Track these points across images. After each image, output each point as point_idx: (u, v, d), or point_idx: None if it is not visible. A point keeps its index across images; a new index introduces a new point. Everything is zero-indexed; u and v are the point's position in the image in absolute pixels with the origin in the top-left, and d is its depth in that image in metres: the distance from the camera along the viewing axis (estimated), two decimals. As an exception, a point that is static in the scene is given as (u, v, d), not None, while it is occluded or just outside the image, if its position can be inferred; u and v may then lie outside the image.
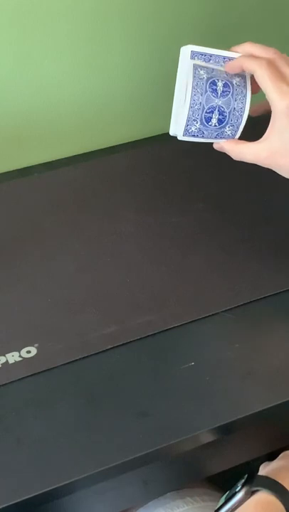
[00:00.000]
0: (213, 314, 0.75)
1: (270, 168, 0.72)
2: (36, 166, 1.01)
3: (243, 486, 0.65)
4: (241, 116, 0.73)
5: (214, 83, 0.71)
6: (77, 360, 0.72)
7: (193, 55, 0.71)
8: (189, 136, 0.72)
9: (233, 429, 0.67)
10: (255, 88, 0.73)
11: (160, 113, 1.03)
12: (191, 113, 0.70)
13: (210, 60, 0.72)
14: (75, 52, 0.96)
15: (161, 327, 0.74)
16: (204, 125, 0.71)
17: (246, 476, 0.66)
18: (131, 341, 0.73)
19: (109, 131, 1.04)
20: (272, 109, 0.69)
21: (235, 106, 0.72)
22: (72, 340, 0.74)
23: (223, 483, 0.80)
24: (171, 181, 0.96)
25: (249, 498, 0.65)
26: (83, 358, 0.72)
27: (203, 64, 0.71)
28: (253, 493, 0.65)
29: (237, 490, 0.65)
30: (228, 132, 0.73)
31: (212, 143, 0.74)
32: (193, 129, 0.71)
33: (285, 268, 0.80)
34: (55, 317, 0.76)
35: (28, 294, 0.79)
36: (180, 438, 0.64)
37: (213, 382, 0.69)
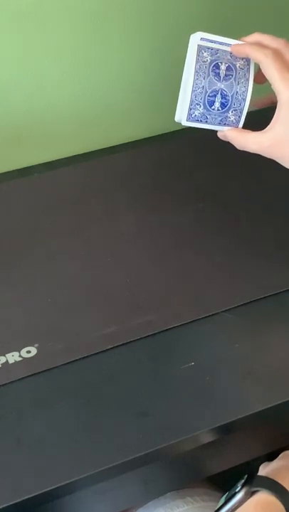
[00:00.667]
0: (213, 314, 0.75)
1: (272, 158, 0.72)
2: (36, 166, 1.01)
3: (243, 486, 0.65)
4: (244, 100, 0.73)
5: (217, 66, 0.71)
6: (77, 360, 0.72)
7: (200, 48, 0.71)
8: (193, 121, 0.72)
9: (233, 429, 0.67)
10: (261, 79, 0.73)
11: (160, 113, 1.03)
12: (193, 97, 0.70)
13: (217, 53, 0.72)
14: (75, 53, 0.96)
15: (161, 327, 0.74)
16: (207, 109, 0.71)
17: (246, 476, 0.66)
18: (131, 341, 0.73)
19: (109, 131, 1.04)
20: (278, 99, 0.69)
21: (238, 90, 0.72)
22: (72, 340, 0.74)
23: (223, 483, 0.80)
24: (171, 181, 0.95)
25: (249, 498, 0.65)
26: (83, 358, 0.72)
27: (209, 44, 0.71)
28: (253, 493, 0.65)
29: (237, 490, 0.65)
30: (232, 118, 0.73)
31: (216, 135, 0.74)
32: (196, 113, 0.71)
33: (285, 268, 0.80)
34: (55, 317, 0.76)
35: (28, 294, 0.79)
36: (180, 438, 0.64)
37: (213, 382, 0.69)
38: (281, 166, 0.72)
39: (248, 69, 0.73)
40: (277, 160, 0.72)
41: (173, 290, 0.79)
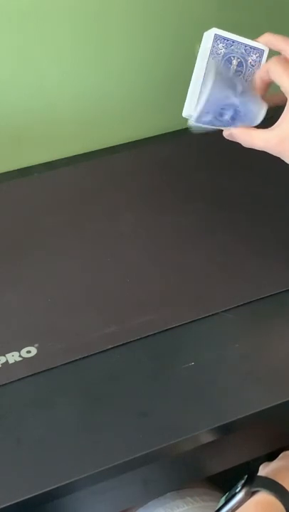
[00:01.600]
0: (213, 314, 0.75)
1: (278, 155, 0.72)
2: (36, 166, 1.01)
3: (243, 486, 0.65)
4: (255, 119, 0.72)
5: (229, 60, 0.71)
6: (77, 360, 0.72)
7: (216, 38, 0.71)
8: (200, 123, 0.71)
9: (233, 429, 0.67)
10: (276, 100, 0.73)
11: (160, 113, 1.03)
12: (207, 105, 0.70)
13: (232, 45, 0.72)
14: (76, 53, 0.96)
15: (161, 327, 0.74)
16: (217, 118, 0.71)
17: (246, 476, 0.66)
18: (131, 341, 0.73)
19: (109, 131, 1.04)
20: (286, 95, 0.69)
21: (252, 108, 0.71)
22: (72, 340, 0.74)
23: (223, 483, 0.80)
24: (171, 181, 0.95)
25: (249, 498, 0.65)
26: (83, 358, 0.72)
27: (225, 35, 0.71)
28: (253, 493, 0.65)
29: (237, 491, 0.65)
30: (239, 124, 0.72)
31: (216, 135, 0.74)
32: (205, 119, 0.71)
33: (285, 268, 0.80)
34: (55, 317, 0.76)
35: (28, 294, 0.79)
36: (180, 438, 0.64)
37: (213, 382, 0.69)
38: (282, 166, 0.72)
39: (259, 66, 0.72)
40: (283, 157, 0.72)
41: (173, 290, 0.79)
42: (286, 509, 0.64)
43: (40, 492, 0.61)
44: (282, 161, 0.71)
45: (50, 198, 0.94)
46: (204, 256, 0.83)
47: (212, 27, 0.71)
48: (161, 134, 1.05)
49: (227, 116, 0.71)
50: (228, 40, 0.71)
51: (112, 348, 0.73)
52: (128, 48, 0.98)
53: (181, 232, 0.86)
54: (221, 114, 0.71)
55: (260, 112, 0.72)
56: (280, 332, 0.75)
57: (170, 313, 0.75)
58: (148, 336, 0.73)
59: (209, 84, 0.69)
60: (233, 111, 0.70)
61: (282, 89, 0.69)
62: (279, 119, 0.70)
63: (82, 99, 1.00)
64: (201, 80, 0.70)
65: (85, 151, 1.04)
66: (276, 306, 0.76)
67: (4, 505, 0.60)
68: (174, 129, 1.05)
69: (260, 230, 0.86)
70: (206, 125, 0.72)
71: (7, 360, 0.72)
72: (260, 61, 0.73)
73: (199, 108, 0.70)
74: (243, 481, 0.66)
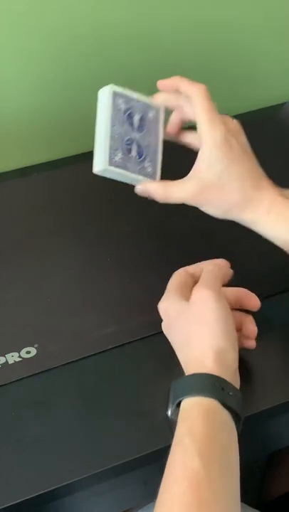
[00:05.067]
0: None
1: (197, 205, 0.71)
2: (36, 166, 1.01)
3: (169, 405, 0.60)
4: (156, 152, 0.73)
5: (130, 116, 0.72)
6: (77, 360, 0.72)
7: (115, 95, 0.72)
8: (114, 166, 0.71)
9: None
10: (176, 129, 0.74)
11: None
12: (112, 142, 0.71)
13: (131, 101, 0.72)
14: (75, 52, 0.95)
15: (161, 327, 0.74)
16: (126, 155, 0.71)
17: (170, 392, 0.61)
18: (131, 341, 0.73)
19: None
20: (204, 141, 0.68)
21: (151, 141, 0.73)
22: (72, 340, 0.74)
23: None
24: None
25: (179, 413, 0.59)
26: (83, 358, 0.72)
27: (123, 93, 0.72)
28: (178, 405, 0.60)
29: (168, 413, 0.60)
30: (149, 169, 0.73)
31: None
32: (116, 158, 0.71)
33: (285, 268, 0.80)
34: (55, 317, 0.76)
35: (28, 294, 0.79)
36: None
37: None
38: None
39: (158, 120, 0.73)
40: (201, 207, 0.71)
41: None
42: (218, 399, 0.58)
43: (40, 493, 0.61)
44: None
45: (50, 198, 0.94)
46: (204, 256, 0.83)
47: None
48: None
49: (134, 152, 0.71)
50: (126, 97, 0.72)
51: (112, 348, 0.72)
52: (128, 47, 0.98)
53: (181, 232, 0.86)
54: (129, 151, 0.71)
55: (159, 142, 0.73)
56: (280, 332, 0.74)
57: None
58: (148, 336, 0.73)
59: (108, 121, 0.70)
60: (137, 146, 0.71)
61: (200, 129, 0.68)
62: (193, 168, 0.69)
63: (82, 98, 0.99)
64: (106, 133, 0.71)
65: (85, 151, 1.03)
66: (276, 306, 0.76)
67: (4, 506, 0.60)
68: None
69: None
70: (120, 169, 0.71)
71: (7, 361, 0.71)
72: (158, 115, 0.73)
73: (108, 145, 0.70)
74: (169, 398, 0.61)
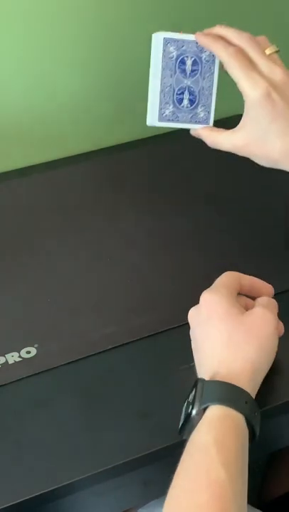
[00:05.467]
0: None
1: (246, 156, 0.72)
2: (36, 166, 1.01)
3: (192, 405, 0.60)
4: (210, 95, 0.73)
5: (183, 62, 0.71)
6: (77, 360, 0.72)
7: (166, 41, 0.71)
8: (165, 121, 0.72)
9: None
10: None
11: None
12: (162, 96, 0.71)
13: (183, 46, 0.72)
14: (76, 53, 0.95)
15: (161, 327, 0.74)
16: (177, 107, 0.72)
17: (194, 391, 0.61)
18: (131, 341, 0.73)
19: (109, 131, 1.04)
20: (245, 98, 0.68)
21: (204, 85, 0.73)
22: (72, 340, 0.74)
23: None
24: (171, 181, 0.95)
25: (202, 417, 0.60)
26: (83, 358, 0.72)
27: (174, 37, 0.71)
28: (204, 410, 0.60)
29: (189, 411, 0.60)
30: (201, 114, 0.73)
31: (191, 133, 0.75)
32: (167, 112, 0.72)
33: (285, 269, 0.80)
34: (55, 317, 0.76)
35: (28, 294, 0.79)
36: (180, 438, 0.64)
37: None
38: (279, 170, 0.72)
39: (214, 61, 0.73)
40: (251, 158, 0.72)
41: (173, 290, 0.78)
42: (245, 416, 0.59)
43: (40, 493, 0.61)
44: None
45: (50, 198, 0.94)
46: (204, 256, 0.83)
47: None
48: (161, 134, 1.04)
49: (186, 101, 0.71)
50: (178, 42, 0.71)
51: (112, 348, 0.72)
52: (128, 47, 0.98)
53: (181, 233, 0.86)
54: (180, 101, 0.71)
55: (214, 85, 0.73)
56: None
57: (170, 314, 0.75)
58: (148, 336, 0.73)
59: (159, 74, 0.70)
60: (189, 93, 0.71)
61: (239, 87, 0.68)
62: (241, 120, 0.70)
63: (82, 98, 1.00)
64: (156, 87, 0.71)
65: (85, 151, 1.03)
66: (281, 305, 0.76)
67: (4, 506, 0.60)
68: (174, 129, 1.04)
69: (260, 231, 0.86)
70: (171, 122, 0.72)
71: (7, 361, 0.71)
72: (214, 56, 0.72)
73: (157, 100, 0.70)
74: (192, 397, 0.61)
